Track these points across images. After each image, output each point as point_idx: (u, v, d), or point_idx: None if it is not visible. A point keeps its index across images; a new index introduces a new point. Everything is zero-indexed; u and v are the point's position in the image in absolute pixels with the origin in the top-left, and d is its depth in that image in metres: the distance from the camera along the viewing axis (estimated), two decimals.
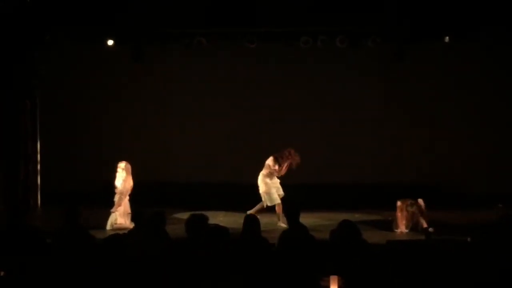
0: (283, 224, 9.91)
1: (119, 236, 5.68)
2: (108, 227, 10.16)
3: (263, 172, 10.79)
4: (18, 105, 12.17)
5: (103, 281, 5.15)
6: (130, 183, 10.37)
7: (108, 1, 11.49)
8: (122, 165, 10.39)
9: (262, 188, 10.73)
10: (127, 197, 10.36)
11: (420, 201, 10.01)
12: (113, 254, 5.29)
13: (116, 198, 10.32)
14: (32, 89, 12.44)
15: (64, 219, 6.60)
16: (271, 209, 10.74)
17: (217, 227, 5.99)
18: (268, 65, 13.40)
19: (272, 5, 11.47)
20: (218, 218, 10.69)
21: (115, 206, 10.28)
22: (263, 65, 13.39)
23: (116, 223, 10.19)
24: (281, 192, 10.76)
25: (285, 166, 10.81)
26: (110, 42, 12.34)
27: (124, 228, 9.25)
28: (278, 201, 10.64)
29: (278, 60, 13.32)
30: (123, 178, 10.33)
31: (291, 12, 11.53)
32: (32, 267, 5.36)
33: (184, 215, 8.40)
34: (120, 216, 10.25)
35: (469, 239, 6.25)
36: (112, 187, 10.43)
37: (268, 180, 10.76)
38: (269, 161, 10.79)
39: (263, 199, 10.74)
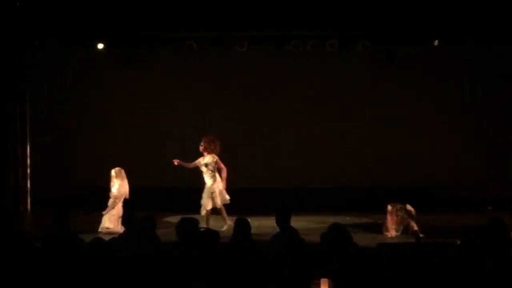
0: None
1: (103, 240, 5.66)
2: (100, 229, 10.15)
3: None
4: (7, 109, 12.13)
5: (93, 286, 5.14)
6: (125, 188, 10.37)
7: (98, 5, 11.47)
8: (113, 172, 10.39)
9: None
10: (121, 202, 10.35)
11: (408, 206, 9.97)
12: (103, 258, 5.28)
13: (110, 202, 10.32)
14: (22, 93, 12.39)
15: (53, 223, 6.58)
16: (265, 212, 10.49)
17: (207, 230, 6.00)
18: (258, 69, 13.41)
19: (262, 9, 11.49)
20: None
21: (107, 209, 10.28)
22: (253, 69, 13.40)
23: (108, 227, 10.17)
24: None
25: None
26: (100, 46, 12.33)
27: (115, 232, 9.25)
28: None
29: (268, 64, 13.34)
30: (118, 184, 10.33)
31: (281, 16, 11.55)
32: (21, 272, 5.34)
33: (175, 219, 8.41)
34: (110, 220, 10.22)
35: (458, 242, 6.26)
36: (104, 191, 10.44)
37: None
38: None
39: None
